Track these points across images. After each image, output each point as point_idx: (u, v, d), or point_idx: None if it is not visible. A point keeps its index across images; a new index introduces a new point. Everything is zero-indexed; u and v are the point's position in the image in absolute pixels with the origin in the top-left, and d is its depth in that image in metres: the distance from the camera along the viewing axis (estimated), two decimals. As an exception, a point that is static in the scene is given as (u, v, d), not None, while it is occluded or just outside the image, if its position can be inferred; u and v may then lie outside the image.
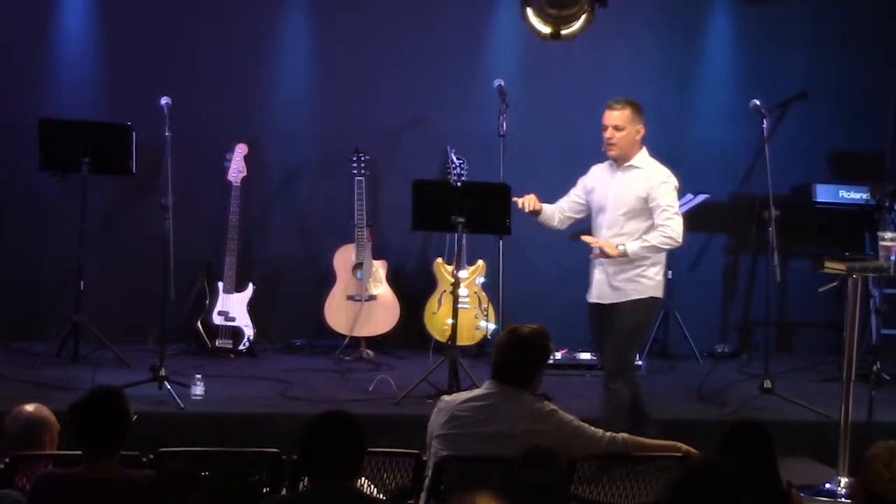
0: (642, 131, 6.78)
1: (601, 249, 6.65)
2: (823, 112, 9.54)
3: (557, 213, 6.97)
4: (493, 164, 8.03)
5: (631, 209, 6.70)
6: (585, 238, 6.84)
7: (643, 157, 6.78)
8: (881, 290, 8.63)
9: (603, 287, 6.75)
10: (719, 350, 9.22)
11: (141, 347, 8.21)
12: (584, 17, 6.63)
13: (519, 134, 7.84)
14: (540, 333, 5.04)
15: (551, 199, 7.00)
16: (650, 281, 6.72)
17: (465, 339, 8.48)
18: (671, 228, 6.63)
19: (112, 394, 4.38)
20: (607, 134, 6.75)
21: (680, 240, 6.70)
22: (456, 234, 7.75)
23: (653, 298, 6.75)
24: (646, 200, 6.66)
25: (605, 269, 6.73)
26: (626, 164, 6.76)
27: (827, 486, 6.42)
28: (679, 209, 6.76)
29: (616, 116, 6.74)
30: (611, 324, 6.73)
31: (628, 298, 6.68)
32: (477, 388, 5.27)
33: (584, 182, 6.97)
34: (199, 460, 4.66)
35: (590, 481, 4.83)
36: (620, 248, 6.61)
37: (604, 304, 6.76)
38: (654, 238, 6.63)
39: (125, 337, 8.32)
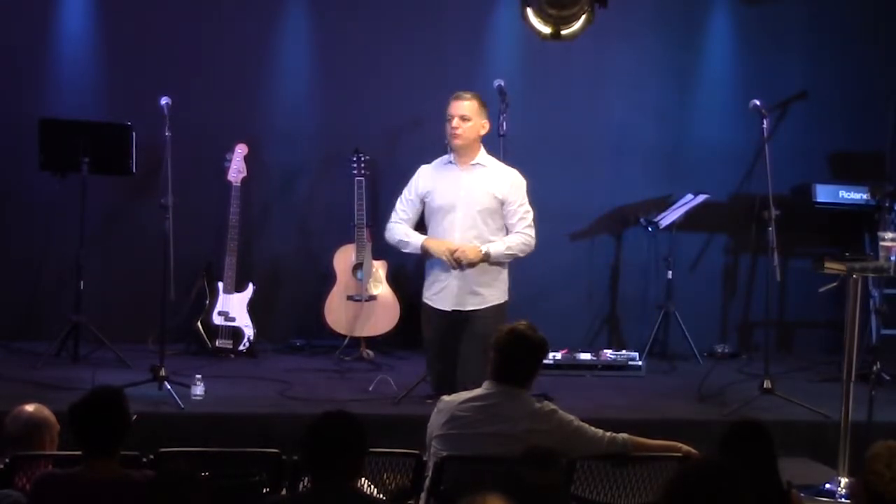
0: (487, 127, 6.85)
1: (463, 257, 6.65)
2: (823, 112, 9.54)
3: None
4: (494, 165, 8.02)
5: (486, 207, 6.75)
6: (436, 250, 6.78)
7: (485, 155, 6.87)
8: (881, 290, 8.64)
9: (464, 294, 6.75)
10: (719, 350, 9.20)
11: (141, 347, 8.20)
12: (584, 17, 6.61)
13: (519, 134, 7.82)
14: (535, 329, 5.06)
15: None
16: (504, 284, 6.84)
17: (465, 339, 8.47)
18: (531, 237, 6.77)
19: (112, 394, 4.38)
20: (454, 123, 6.77)
21: (534, 247, 6.84)
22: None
23: (506, 302, 6.86)
24: (501, 201, 6.73)
25: (466, 274, 6.73)
26: (471, 162, 6.81)
27: (827, 486, 6.41)
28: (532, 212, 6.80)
29: (465, 107, 6.76)
30: (469, 330, 6.71)
31: (489, 304, 6.75)
32: (476, 388, 5.27)
33: (417, 186, 6.99)
34: (199, 460, 4.65)
35: (590, 481, 4.83)
36: (484, 249, 6.67)
37: (463, 311, 6.76)
38: (516, 246, 6.75)
39: (125, 337, 8.32)
